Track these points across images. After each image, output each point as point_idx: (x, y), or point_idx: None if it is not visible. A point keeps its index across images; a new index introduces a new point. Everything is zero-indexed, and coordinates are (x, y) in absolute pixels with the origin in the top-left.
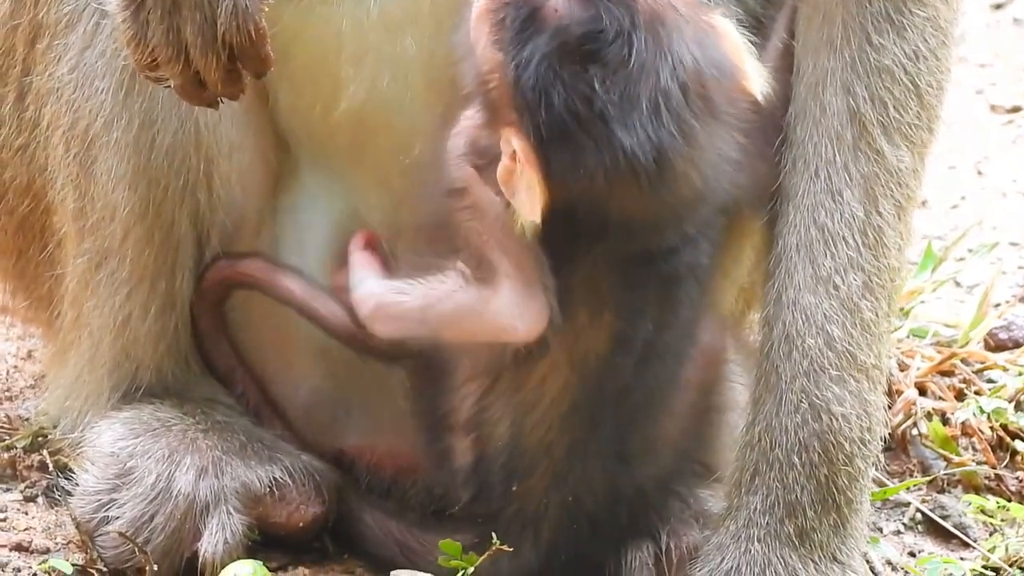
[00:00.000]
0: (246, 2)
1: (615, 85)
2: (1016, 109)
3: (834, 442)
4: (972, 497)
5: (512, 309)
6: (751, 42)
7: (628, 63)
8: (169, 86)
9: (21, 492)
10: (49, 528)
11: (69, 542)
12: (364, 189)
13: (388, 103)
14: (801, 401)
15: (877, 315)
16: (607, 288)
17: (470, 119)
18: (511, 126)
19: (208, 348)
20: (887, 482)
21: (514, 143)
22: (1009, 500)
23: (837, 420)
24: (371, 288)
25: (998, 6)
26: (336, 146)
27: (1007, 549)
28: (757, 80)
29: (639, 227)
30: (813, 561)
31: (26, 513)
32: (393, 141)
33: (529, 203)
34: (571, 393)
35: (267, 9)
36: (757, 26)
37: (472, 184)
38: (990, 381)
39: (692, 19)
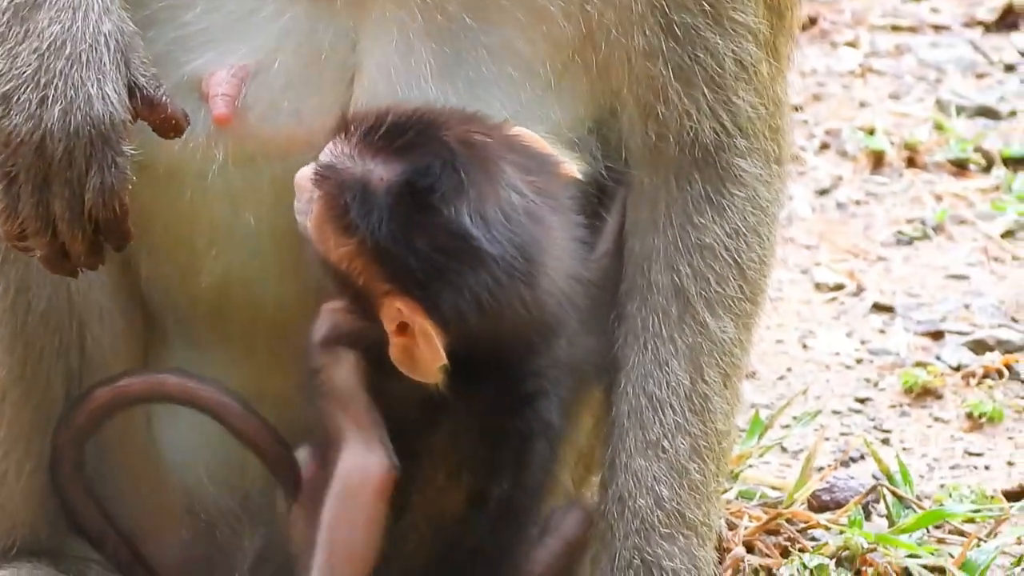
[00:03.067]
0: (112, 180)
1: (463, 207)
2: (839, 287)
3: None
4: None
5: (356, 462)
6: (588, 225)
7: (464, 186)
8: (35, 256)
9: None
10: None
11: None
12: (229, 361)
13: (246, 277)
14: (633, 557)
15: (705, 476)
16: (467, 447)
17: (333, 309)
18: (388, 295)
19: (76, 513)
20: None
21: (397, 305)
22: None
23: (667, 575)
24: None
25: (823, 191)
26: (199, 318)
27: None
28: (570, 163)
29: (522, 343)
30: None
31: None
32: (255, 315)
33: (431, 352)
34: (428, 551)
35: (131, 187)
36: (595, 211)
37: (330, 365)
38: (813, 539)
39: (494, 133)
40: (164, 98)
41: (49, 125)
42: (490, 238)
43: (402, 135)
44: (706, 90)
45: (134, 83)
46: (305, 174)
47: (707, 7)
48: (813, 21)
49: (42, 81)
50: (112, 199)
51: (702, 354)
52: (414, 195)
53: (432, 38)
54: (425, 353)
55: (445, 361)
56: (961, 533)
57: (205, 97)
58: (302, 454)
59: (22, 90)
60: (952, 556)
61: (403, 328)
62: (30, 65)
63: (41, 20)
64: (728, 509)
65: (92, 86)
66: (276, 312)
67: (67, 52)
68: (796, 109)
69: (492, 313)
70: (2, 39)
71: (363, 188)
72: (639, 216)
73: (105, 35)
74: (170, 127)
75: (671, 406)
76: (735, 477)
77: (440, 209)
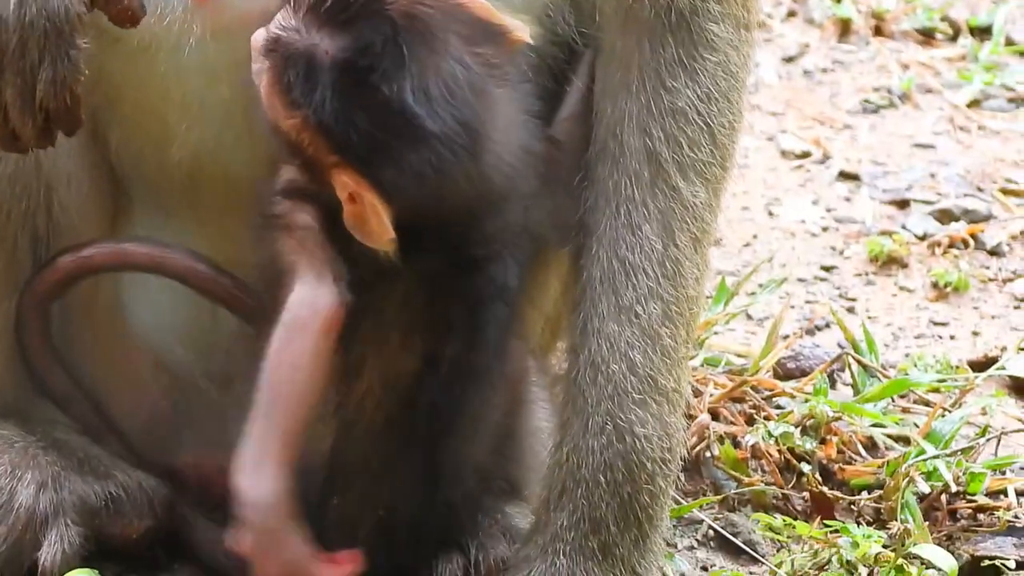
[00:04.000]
0: (64, 72)
1: (405, 84)
2: (805, 155)
3: (636, 462)
4: (760, 515)
5: (306, 295)
6: (553, 89)
7: (405, 63)
8: None
9: None
10: None
11: None
12: (200, 230)
13: (219, 150)
14: (606, 423)
15: (676, 341)
16: (419, 308)
17: (290, 171)
18: (336, 167)
19: (42, 375)
20: (681, 500)
21: (345, 179)
22: (795, 518)
23: (640, 441)
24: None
25: (790, 59)
26: (170, 189)
27: (793, 564)
28: (520, 29)
29: (470, 214)
30: (614, 574)
31: None
32: (227, 186)
33: (379, 225)
34: (385, 412)
35: (83, 79)
36: (560, 74)
37: (288, 212)
38: (778, 407)
39: (438, 5)
40: None
41: (4, 16)
42: (432, 115)
43: (347, 8)
44: None
45: None
46: (259, 38)
47: None
48: None
49: None
50: (63, 90)
51: (674, 218)
52: (355, 74)
53: None
54: (374, 223)
55: (392, 235)
56: (926, 403)
57: None
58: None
59: None
60: (917, 426)
61: (353, 197)
62: None
63: None
64: (694, 376)
65: None
66: (248, 183)
67: None
68: None
69: (436, 188)
70: None
71: (306, 64)
72: (611, 80)
73: None
74: (126, 17)
75: (644, 271)
76: (701, 344)
77: (381, 88)
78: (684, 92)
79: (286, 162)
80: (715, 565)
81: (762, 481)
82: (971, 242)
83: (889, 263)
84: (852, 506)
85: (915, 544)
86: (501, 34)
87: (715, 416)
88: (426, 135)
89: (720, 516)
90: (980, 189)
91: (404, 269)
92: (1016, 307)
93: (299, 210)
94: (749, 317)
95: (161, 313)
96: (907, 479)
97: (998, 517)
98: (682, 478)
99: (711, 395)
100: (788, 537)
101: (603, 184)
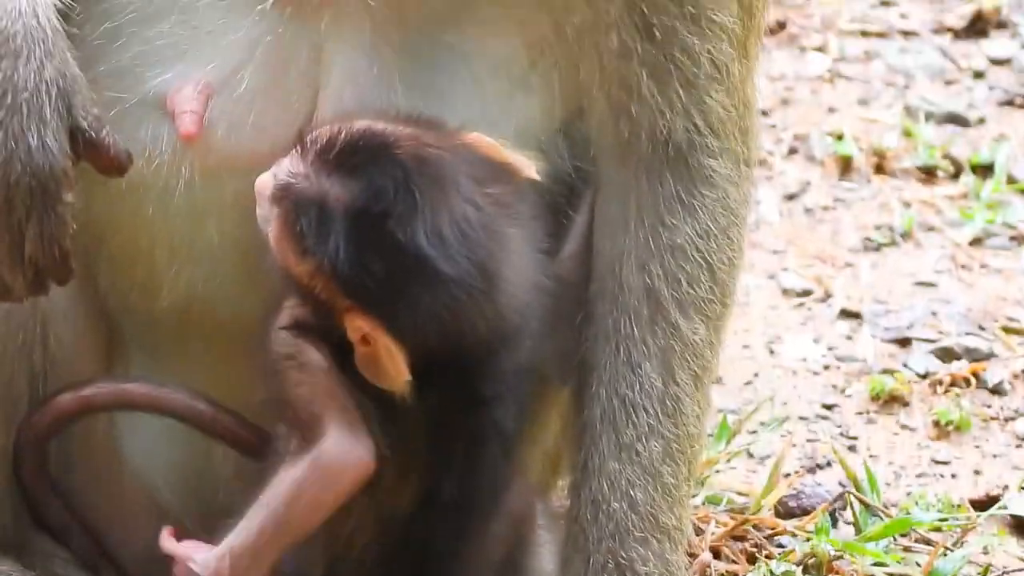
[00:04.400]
0: (52, 228)
1: (418, 228)
2: (806, 293)
3: None
4: None
5: (343, 447)
6: (555, 226)
7: (418, 206)
8: None
9: None
10: None
11: None
12: (191, 373)
13: (208, 295)
14: (608, 561)
15: (677, 479)
16: (418, 447)
17: (295, 307)
18: (350, 311)
19: (40, 509)
20: None
21: (359, 322)
22: None
23: None
24: (209, 552)
25: (791, 196)
26: (160, 331)
27: None
28: (527, 166)
29: (481, 352)
30: None
31: None
32: (218, 330)
33: (394, 367)
34: (377, 547)
35: (71, 232)
36: (563, 211)
37: (298, 351)
38: (780, 546)
39: (446, 146)
40: (107, 139)
41: None
42: (447, 258)
43: (356, 154)
44: (680, 90)
45: (76, 127)
46: (266, 183)
47: (689, 9)
48: (782, 25)
49: None
50: (51, 245)
51: (674, 356)
52: (369, 220)
53: (400, 45)
54: (388, 365)
55: (408, 376)
56: (927, 542)
57: (171, 113)
58: (282, 430)
59: None
60: (918, 565)
61: (366, 339)
62: None
63: None
64: (695, 514)
65: (32, 137)
66: (239, 328)
67: (8, 102)
68: (764, 114)
69: (451, 329)
70: None
71: (318, 212)
72: (609, 216)
73: (47, 82)
74: (113, 168)
75: (644, 409)
76: (702, 482)
77: (395, 233)
78: (683, 228)
79: (292, 301)
80: None
81: None
82: (973, 380)
83: (891, 401)
84: None
85: None
86: (510, 172)
87: (716, 555)
88: (441, 278)
89: None
90: (982, 328)
91: (407, 406)
92: (1018, 446)
93: (309, 348)
94: (751, 455)
95: (157, 454)
96: None
97: None
98: None
99: (713, 533)
100: None
101: (603, 321)
